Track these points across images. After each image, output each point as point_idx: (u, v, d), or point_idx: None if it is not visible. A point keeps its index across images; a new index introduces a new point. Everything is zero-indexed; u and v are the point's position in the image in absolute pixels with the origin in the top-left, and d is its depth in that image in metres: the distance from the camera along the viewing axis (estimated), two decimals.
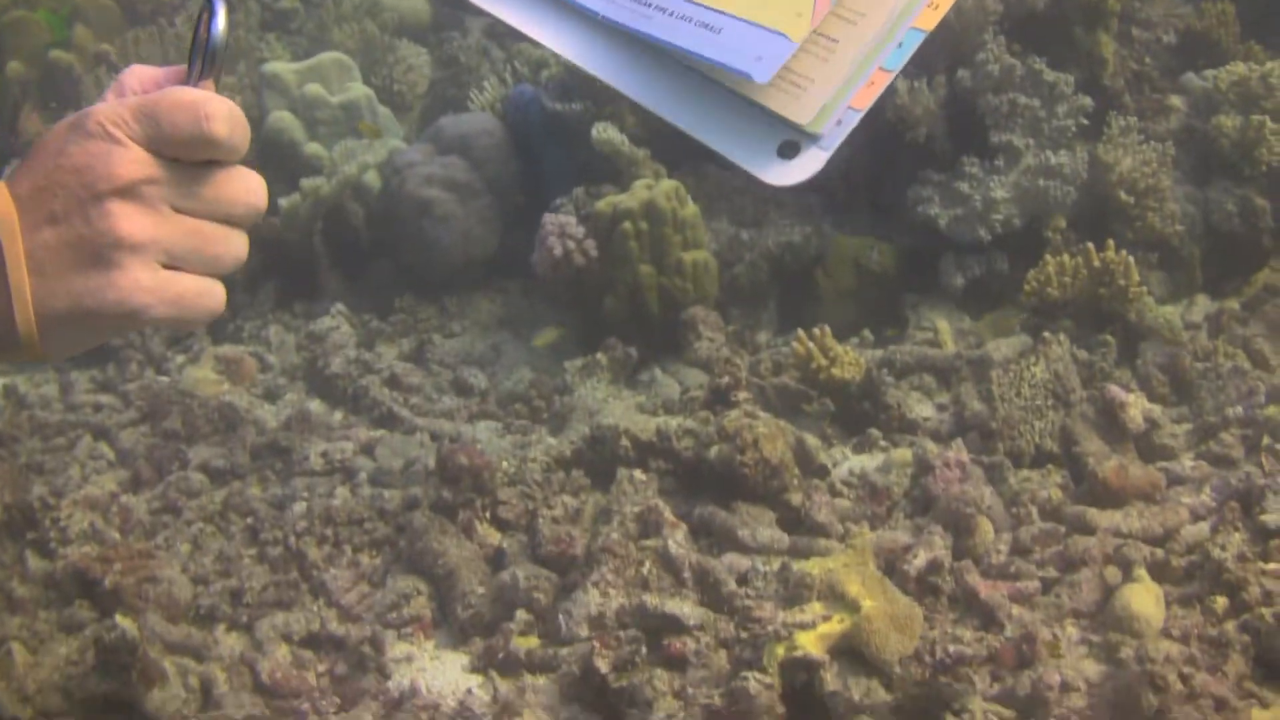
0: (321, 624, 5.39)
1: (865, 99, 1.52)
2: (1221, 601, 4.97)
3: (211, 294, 1.52)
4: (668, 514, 5.57)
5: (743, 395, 6.33)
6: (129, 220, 1.43)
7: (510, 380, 7.46)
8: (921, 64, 7.55)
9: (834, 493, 5.94)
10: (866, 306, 7.55)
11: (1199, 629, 4.86)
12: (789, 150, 1.49)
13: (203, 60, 1.49)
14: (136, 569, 5.44)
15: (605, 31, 1.63)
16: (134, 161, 1.43)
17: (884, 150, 7.70)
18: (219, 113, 1.45)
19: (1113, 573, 5.20)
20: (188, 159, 1.47)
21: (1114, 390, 6.17)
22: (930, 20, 1.56)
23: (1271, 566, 5.11)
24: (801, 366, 6.66)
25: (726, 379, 6.36)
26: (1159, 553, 5.30)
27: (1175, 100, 8.12)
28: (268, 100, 9.24)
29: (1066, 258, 6.92)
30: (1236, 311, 7.26)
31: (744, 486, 5.75)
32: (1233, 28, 8.58)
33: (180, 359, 7.81)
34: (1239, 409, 6.26)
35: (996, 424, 6.15)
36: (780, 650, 4.66)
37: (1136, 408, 6.16)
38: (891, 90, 7.14)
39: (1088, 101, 7.38)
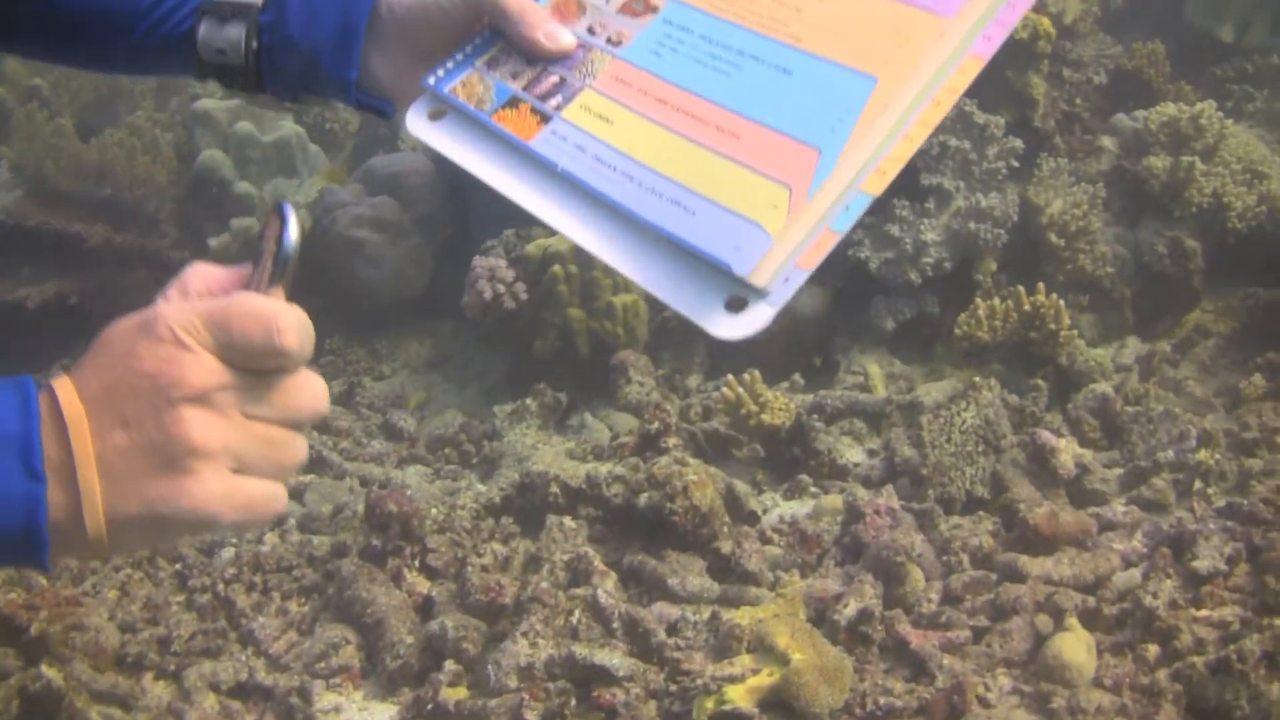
0: (250, 673, 5.32)
1: (813, 259, 1.50)
2: (1153, 649, 4.96)
3: (278, 498, 1.50)
4: (597, 562, 5.55)
5: (673, 441, 6.29)
6: (202, 428, 1.41)
7: (439, 424, 7.40)
8: None
9: (764, 540, 5.90)
10: (797, 350, 7.51)
11: (1131, 678, 4.85)
12: (736, 305, 1.48)
13: (273, 267, 1.47)
14: (63, 616, 5.35)
15: (553, 180, 1.66)
16: (206, 369, 1.41)
17: None
18: (290, 326, 1.43)
19: (1044, 621, 5.18)
20: (257, 368, 1.45)
21: (1045, 435, 6.16)
22: (878, 185, 1.54)
23: (1203, 613, 5.10)
24: (731, 412, 6.63)
25: (656, 425, 6.32)
26: (1090, 600, 5.28)
27: (1106, 141, 8.14)
28: (199, 137, 9.19)
29: (997, 301, 6.92)
30: (1168, 354, 7.26)
31: (674, 534, 5.71)
32: (1163, 67, 8.62)
33: None
34: (1170, 453, 6.25)
35: (927, 470, 6.14)
36: (710, 704, 4.63)
37: (1067, 453, 6.15)
38: None
39: (1018, 144, 7.38)
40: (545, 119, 1.72)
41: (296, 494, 6.69)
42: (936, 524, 5.90)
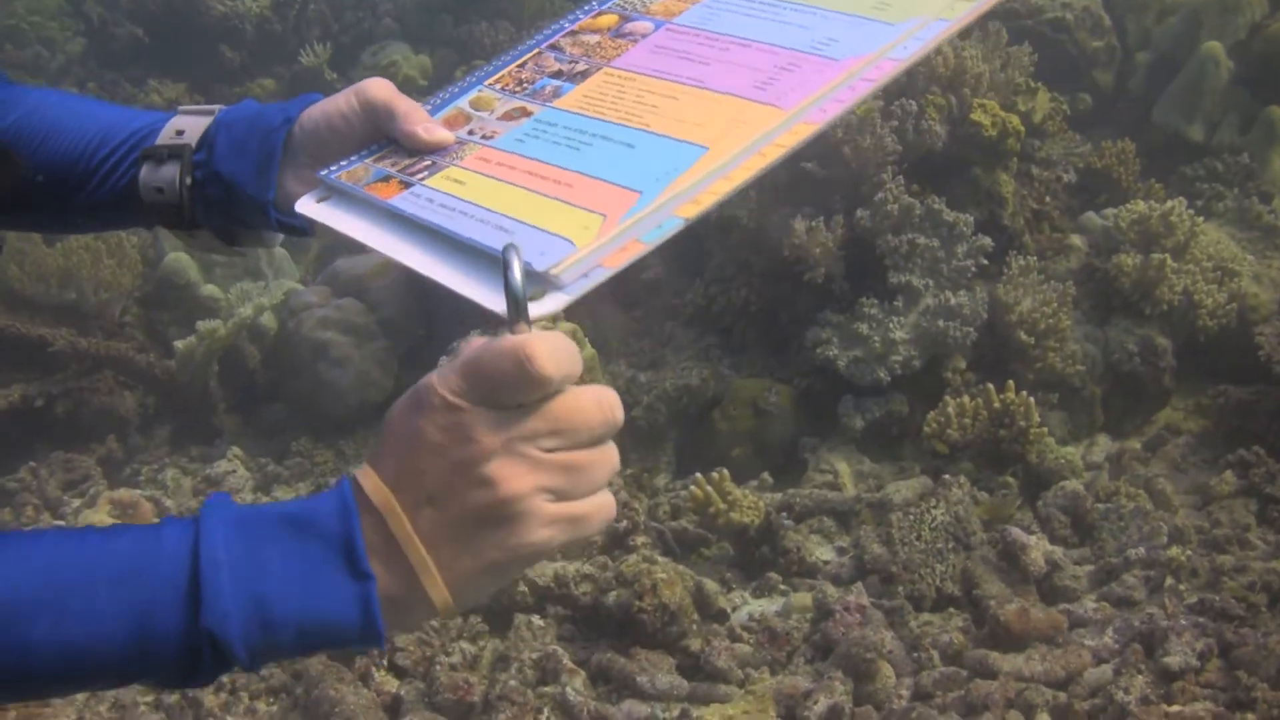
0: None
1: (617, 261, 1.63)
2: None
3: (603, 509, 1.55)
4: (566, 660, 5.54)
5: (641, 540, 6.27)
6: (505, 483, 1.47)
7: None
8: (819, 204, 7.57)
9: (734, 637, 5.87)
10: (765, 448, 7.48)
11: None
12: (535, 295, 1.58)
13: (511, 310, 1.53)
14: (31, 717, 5.32)
15: (405, 228, 1.79)
16: (487, 425, 1.47)
17: (782, 289, 7.69)
18: (539, 351, 1.47)
19: (1015, 718, 5.16)
20: (529, 401, 1.50)
21: (1015, 533, 6.16)
22: (691, 211, 1.68)
23: (1174, 709, 5.08)
24: (700, 510, 6.59)
25: (625, 523, 6.29)
26: (1061, 696, 5.25)
27: (1076, 239, 8.16)
28: (163, 240, 9.18)
29: (966, 399, 6.90)
30: (1138, 451, 7.26)
31: (643, 632, 5.69)
32: (1133, 166, 8.66)
33: (76, 503, 7.68)
34: (1141, 550, 6.23)
35: (897, 567, 6.11)
36: None
37: (1038, 550, 6.14)
38: (786, 228, 7.18)
39: (987, 242, 7.39)
40: (407, 185, 1.87)
41: None
42: (907, 621, 5.87)
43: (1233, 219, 8.58)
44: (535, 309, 1.55)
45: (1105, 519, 6.53)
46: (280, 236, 2.19)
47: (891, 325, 7.23)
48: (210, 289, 9.01)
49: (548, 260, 1.58)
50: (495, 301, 1.58)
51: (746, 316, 7.98)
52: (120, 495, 7.62)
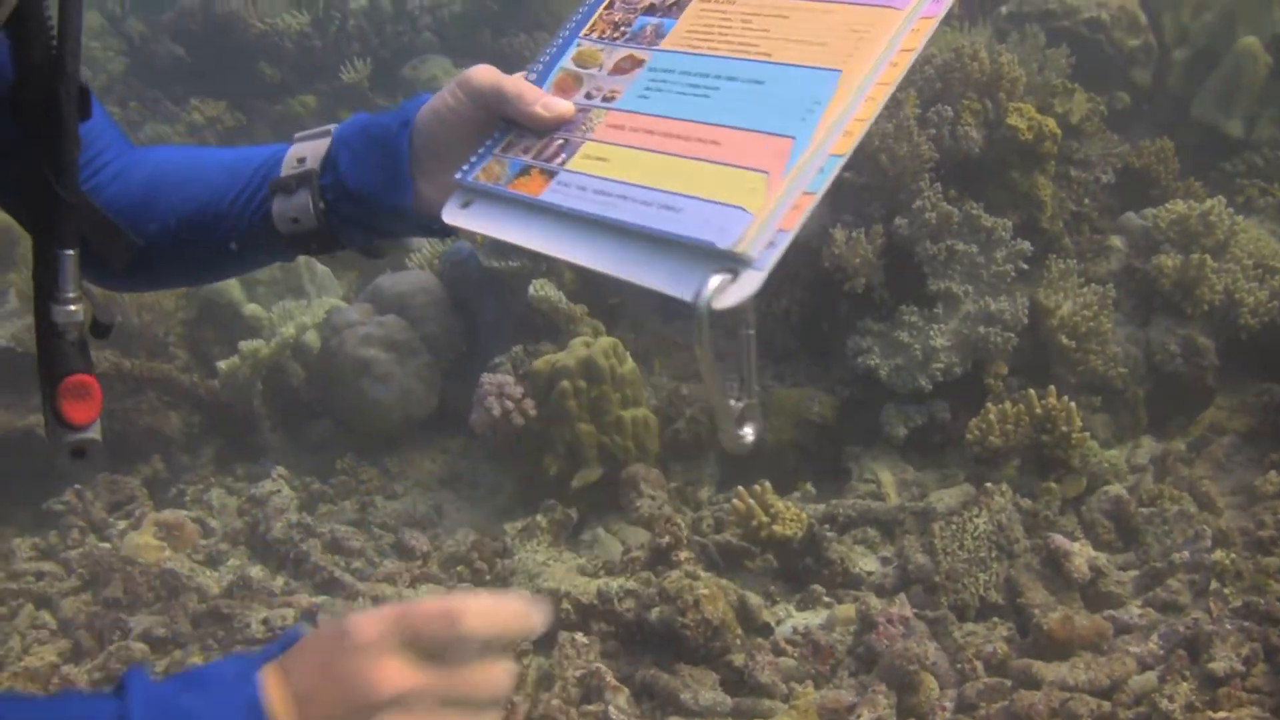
0: None
1: (792, 220, 1.63)
2: None
3: None
4: (610, 678, 5.52)
5: (684, 554, 6.25)
6: None
7: (452, 542, 7.37)
8: (858, 213, 7.54)
9: (777, 651, 5.86)
10: (809, 459, 7.48)
11: None
12: (727, 275, 1.58)
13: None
14: None
15: (565, 222, 1.80)
16: (396, 676, 1.50)
17: (824, 299, 7.68)
18: (469, 610, 1.53)
19: None
20: (452, 660, 1.54)
21: (1058, 540, 6.13)
22: (844, 146, 1.68)
23: (1220, 715, 5.05)
24: (743, 524, 6.58)
25: (667, 539, 6.28)
26: (1105, 705, 5.22)
27: (1115, 240, 8.12)
28: None
29: (1008, 405, 6.88)
30: (1182, 453, 7.20)
31: (686, 648, 5.69)
32: (1172, 165, 8.61)
33: (122, 524, 7.70)
34: (1185, 554, 6.20)
35: (940, 577, 6.09)
36: None
37: (1081, 556, 6.12)
38: (826, 237, 7.14)
39: (1026, 246, 7.36)
40: (551, 175, 1.87)
41: (310, 616, 6.66)
42: (950, 631, 5.86)
43: (1273, 214, 8.56)
44: (735, 293, 1.57)
45: (1149, 523, 6.50)
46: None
47: (932, 332, 7.22)
48: (253, 308, 9.04)
49: (729, 237, 1.59)
50: (684, 289, 1.60)
51: (788, 326, 7.96)
52: (165, 517, 7.65)
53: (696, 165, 1.73)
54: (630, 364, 7.41)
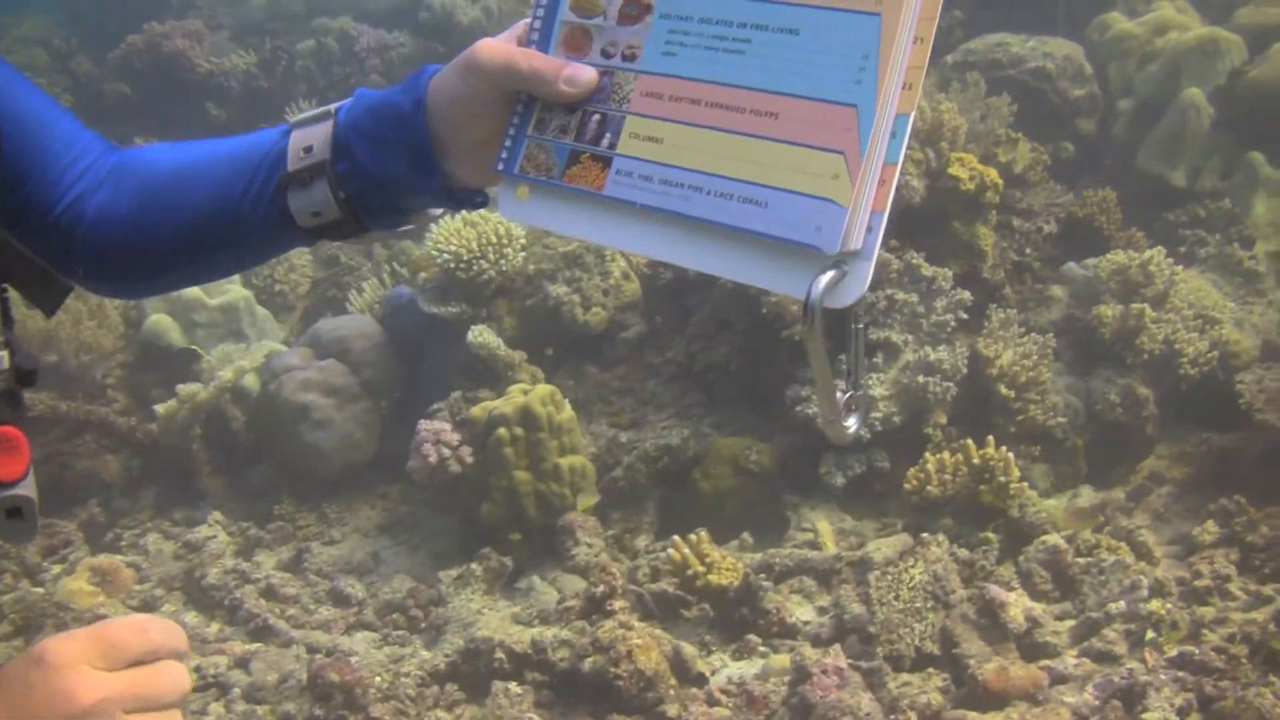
0: None
1: (883, 199, 1.61)
2: None
3: None
4: None
5: (619, 604, 6.23)
6: None
7: (388, 590, 7.33)
8: None
9: (711, 702, 5.85)
10: (748, 507, 7.45)
11: None
12: (838, 271, 1.59)
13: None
14: None
15: (637, 214, 1.79)
16: (90, 685, 1.57)
17: (763, 346, 7.68)
18: (154, 623, 1.64)
19: None
20: (133, 667, 1.62)
21: (994, 590, 6.13)
22: (910, 102, 1.62)
23: None
24: (679, 573, 6.57)
25: (602, 588, 6.26)
26: None
27: (1057, 290, 8.15)
28: (145, 302, 9.16)
29: (947, 455, 6.89)
30: (1121, 502, 7.23)
31: (620, 698, 5.68)
32: (1115, 215, 8.64)
33: (56, 569, 7.65)
34: (1122, 604, 6.20)
35: (875, 628, 6.08)
36: None
37: (1017, 607, 6.12)
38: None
39: (966, 296, 7.38)
40: (607, 163, 1.83)
41: (243, 663, 6.63)
42: (885, 682, 5.85)
43: (1215, 265, 8.58)
44: (848, 290, 1.59)
45: (1086, 573, 6.51)
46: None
47: (871, 382, 7.21)
48: (193, 351, 9.00)
49: (831, 239, 1.58)
50: (794, 287, 1.61)
51: (727, 374, 7.95)
52: (100, 562, 7.61)
53: (762, 145, 1.69)
54: (568, 411, 7.38)
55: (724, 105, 1.73)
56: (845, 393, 1.74)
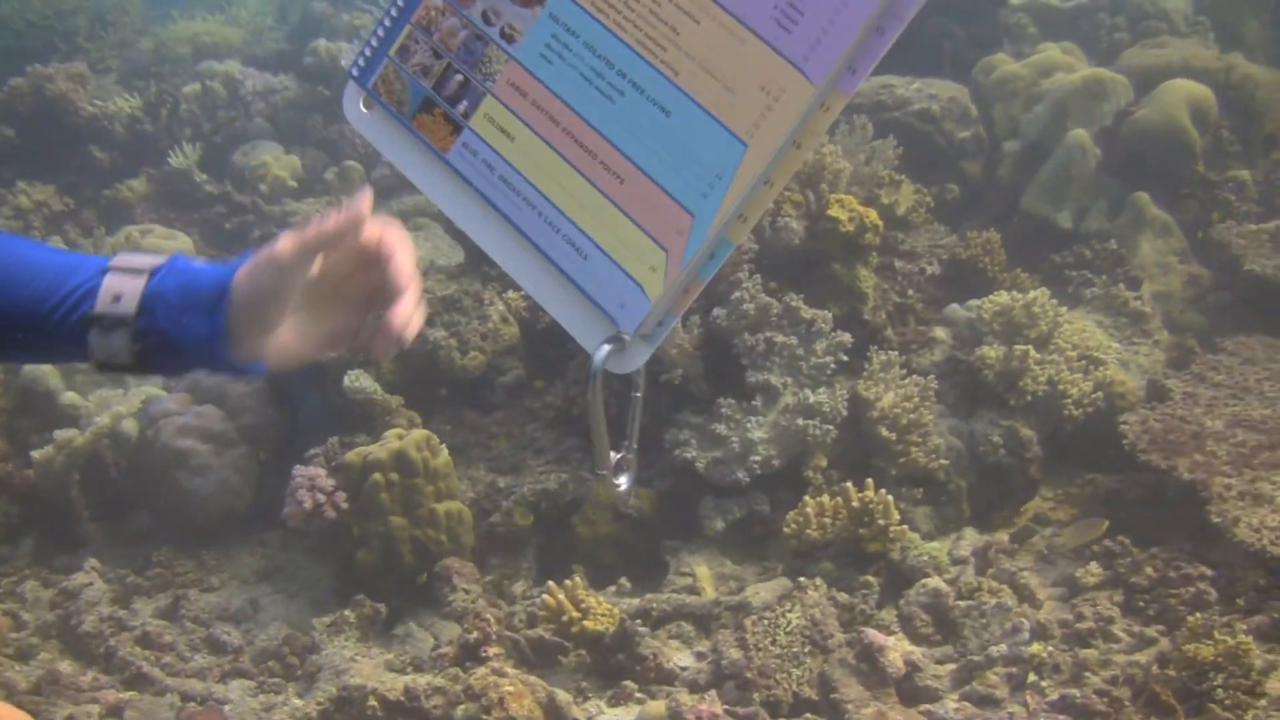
0: None
1: (682, 305, 1.78)
2: None
3: None
4: None
5: (494, 650, 6.18)
6: None
7: (265, 637, 7.24)
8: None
9: None
10: (626, 552, 7.41)
11: None
12: (618, 344, 1.77)
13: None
14: None
15: (472, 194, 1.88)
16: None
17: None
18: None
19: None
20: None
21: (872, 635, 6.10)
22: (740, 234, 1.74)
23: None
24: (554, 619, 6.50)
25: (475, 634, 6.20)
26: None
27: (940, 332, 8.15)
28: None
29: (826, 498, 6.85)
30: (1004, 544, 7.20)
31: None
32: (999, 256, 8.67)
33: None
34: (1003, 647, 6.18)
35: (752, 673, 6.03)
36: None
37: (897, 651, 6.09)
38: None
39: (846, 338, 7.36)
40: (456, 128, 1.89)
41: (116, 712, 6.52)
42: None
43: (1101, 305, 8.61)
44: (628, 361, 1.79)
45: (967, 616, 6.48)
46: None
47: (750, 425, 7.18)
48: (71, 396, 8.89)
49: (629, 320, 1.76)
50: (587, 340, 1.80)
51: (605, 416, 7.88)
52: None
53: (602, 202, 1.77)
54: (444, 456, 7.33)
55: (579, 141, 1.79)
56: (621, 453, 1.88)
